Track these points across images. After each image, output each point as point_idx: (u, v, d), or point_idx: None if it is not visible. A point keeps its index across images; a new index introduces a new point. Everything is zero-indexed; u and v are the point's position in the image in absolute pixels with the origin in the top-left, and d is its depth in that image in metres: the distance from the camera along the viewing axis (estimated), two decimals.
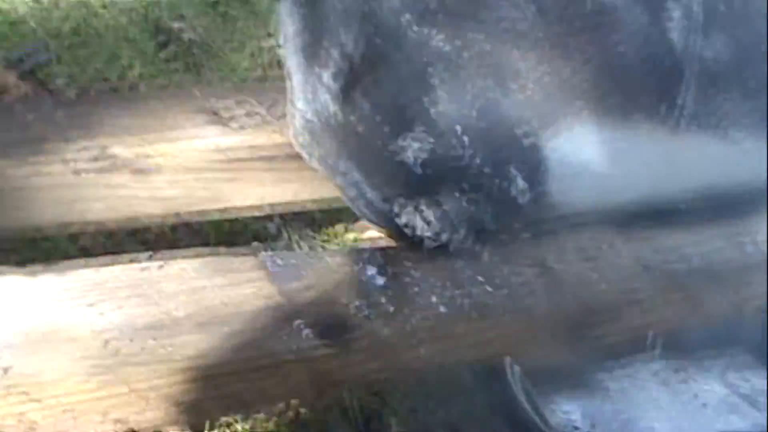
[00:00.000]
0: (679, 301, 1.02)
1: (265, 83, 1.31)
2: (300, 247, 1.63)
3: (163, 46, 2.41)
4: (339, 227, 1.69)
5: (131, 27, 2.26)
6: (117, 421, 0.77)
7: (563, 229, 1.03)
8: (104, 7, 2.09)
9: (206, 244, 1.62)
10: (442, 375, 1.32)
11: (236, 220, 1.34)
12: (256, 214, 1.63)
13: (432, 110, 0.84)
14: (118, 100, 1.24)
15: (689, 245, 1.06)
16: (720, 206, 1.11)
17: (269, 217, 1.69)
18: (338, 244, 1.64)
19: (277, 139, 1.16)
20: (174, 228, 1.60)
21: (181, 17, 2.45)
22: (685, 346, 1.48)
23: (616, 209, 1.05)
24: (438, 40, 0.83)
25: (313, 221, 1.71)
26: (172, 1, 2.34)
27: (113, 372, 0.77)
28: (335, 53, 0.87)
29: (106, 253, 1.52)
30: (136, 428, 0.78)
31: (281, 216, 1.60)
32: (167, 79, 2.24)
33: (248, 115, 1.22)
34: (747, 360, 1.55)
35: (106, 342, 0.79)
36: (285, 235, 1.68)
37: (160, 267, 0.94)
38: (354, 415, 1.35)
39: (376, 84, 0.85)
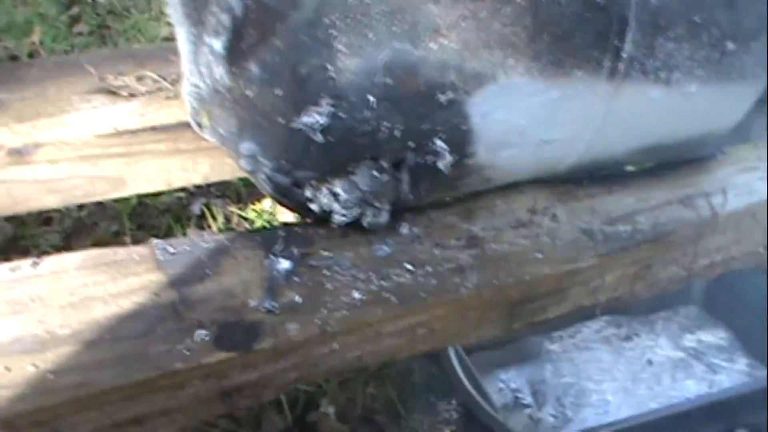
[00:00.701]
0: (626, 267, 0.88)
1: (169, 54, 1.15)
2: (220, 230, 1.50)
3: (67, 8, 2.25)
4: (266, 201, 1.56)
5: None
6: None
7: (493, 198, 0.90)
8: None
9: (122, 231, 1.48)
10: None
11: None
12: (164, 197, 1.49)
13: (337, 78, 0.69)
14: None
15: (635, 207, 0.92)
16: (659, 166, 0.98)
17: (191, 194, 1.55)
18: (263, 220, 1.51)
19: (181, 115, 1.01)
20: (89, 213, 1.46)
21: None
22: (633, 307, 1.38)
23: (555, 174, 0.92)
24: None
25: (238, 196, 1.58)
26: None
27: None
28: (224, 18, 0.73)
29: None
30: None
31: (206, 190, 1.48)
32: (69, 44, 2.09)
33: (150, 92, 1.07)
34: (697, 317, 1.47)
35: None
36: (208, 217, 1.55)
37: (34, 265, 0.78)
38: (287, 406, 1.24)
39: (272, 50, 0.70)
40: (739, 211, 1.01)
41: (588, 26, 0.81)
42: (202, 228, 1.72)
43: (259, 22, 0.74)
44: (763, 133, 1.15)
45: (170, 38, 2.05)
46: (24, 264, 0.84)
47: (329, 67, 0.73)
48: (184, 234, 1.66)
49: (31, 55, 2.25)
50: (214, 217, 1.71)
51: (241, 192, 1.71)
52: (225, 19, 0.76)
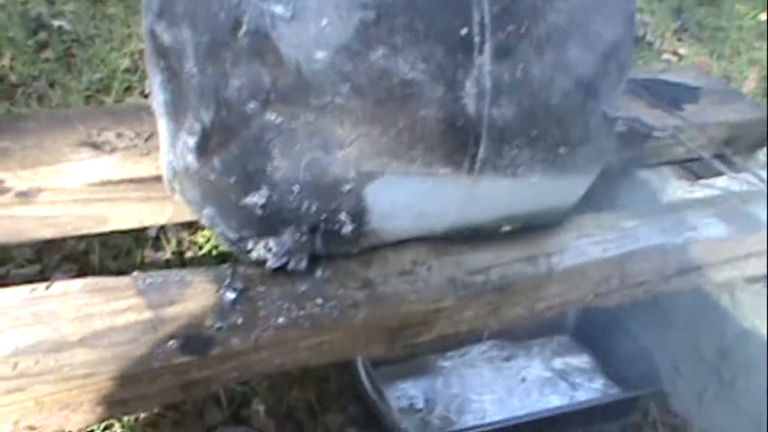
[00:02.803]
0: (479, 307, 1.34)
1: (142, 113, 1.56)
2: (173, 253, 1.92)
3: (34, 33, 2.63)
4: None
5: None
6: (27, 427, 1.06)
7: (388, 251, 1.35)
8: None
9: (89, 250, 1.88)
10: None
11: None
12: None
13: (273, 174, 1.14)
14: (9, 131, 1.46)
15: (490, 262, 1.38)
16: (518, 230, 1.44)
17: None
18: (210, 245, 1.93)
19: (153, 170, 1.43)
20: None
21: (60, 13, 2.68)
22: (515, 334, 1.84)
23: (432, 235, 1.36)
24: (276, 119, 1.12)
25: (190, 225, 1.99)
26: None
27: (21, 390, 1.05)
28: (196, 125, 1.16)
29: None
30: (41, 431, 1.07)
31: None
32: (37, 69, 2.48)
33: (127, 147, 1.48)
34: (568, 344, 1.93)
35: (15, 365, 1.07)
36: (163, 240, 1.96)
37: (47, 288, 1.21)
38: (226, 402, 1.67)
39: (229, 152, 1.15)
40: (571, 268, 1.46)
41: (451, 140, 1.25)
42: (157, 250, 2.15)
43: (221, 133, 1.19)
44: (602, 205, 1.61)
45: (130, 70, 2.48)
46: (40, 287, 1.27)
47: (267, 166, 1.18)
48: (142, 255, 2.09)
49: (2, 79, 2.64)
50: (168, 241, 2.14)
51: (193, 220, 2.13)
52: (197, 126, 1.20)
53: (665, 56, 3.33)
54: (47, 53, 2.76)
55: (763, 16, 3.68)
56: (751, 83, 3.19)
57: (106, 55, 2.75)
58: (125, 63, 2.71)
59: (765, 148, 2.03)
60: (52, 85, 2.60)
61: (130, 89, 2.62)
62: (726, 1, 3.83)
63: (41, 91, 2.55)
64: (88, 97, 2.55)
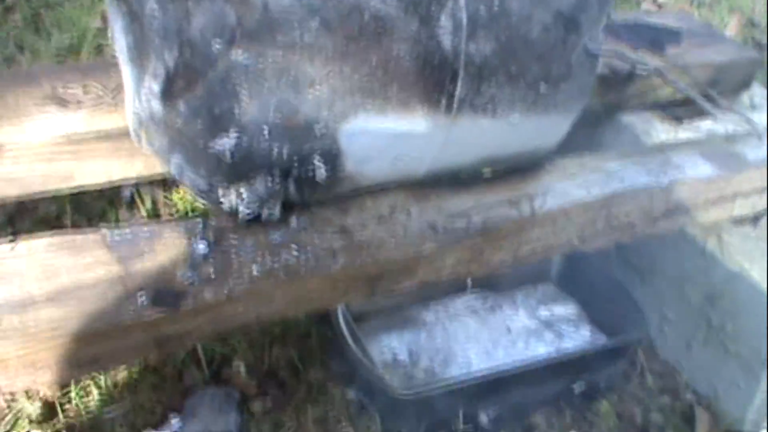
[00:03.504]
0: (461, 252, 1.29)
1: (110, 68, 1.50)
2: (148, 213, 1.86)
3: None
4: None
5: None
6: None
7: (365, 197, 1.29)
8: None
9: (62, 213, 1.82)
10: (283, 322, 1.60)
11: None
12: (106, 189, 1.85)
13: (242, 116, 1.08)
14: None
15: (471, 206, 1.32)
16: (499, 172, 1.38)
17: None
18: (185, 203, 1.87)
19: (121, 123, 1.37)
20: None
21: None
22: (499, 284, 1.80)
23: (414, 179, 1.31)
24: (242, 58, 1.06)
25: (164, 183, 1.94)
26: None
27: None
28: (160, 68, 1.10)
29: None
30: (8, 392, 1.01)
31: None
32: (4, 32, 2.41)
33: (94, 101, 1.42)
34: (552, 293, 1.89)
35: None
36: (138, 201, 1.91)
37: (12, 247, 1.15)
38: (205, 363, 1.62)
39: (195, 96, 1.09)
40: (554, 210, 1.41)
41: (427, 77, 1.20)
42: (132, 210, 2.09)
43: (186, 75, 1.12)
44: (585, 150, 1.56)
45: (101, 29, 2.40)
46: (3, 246, 1.20)
47: (235, 108, 1.12)
48: (117, 216, 2.03)
49: None
50: (143, 202, 2.08)
51: (166, 179, 2.07)
52: (161, 70, 1.14)
53: (644, 6, 3.27)
54: (15, 17, 2.68)
55: None
56: (732, 30, 3.13)
57: (76, 17, 2.67)
58: (96, 23, 2.63)
59: (749, 90, 1.98)
60: (21, 48, 2.52)
61: (102, 49, 2.55)
62: None
63: (10, 55, 2.48)
64: (58, 60, 2.47)
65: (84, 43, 2.54)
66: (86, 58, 2.49)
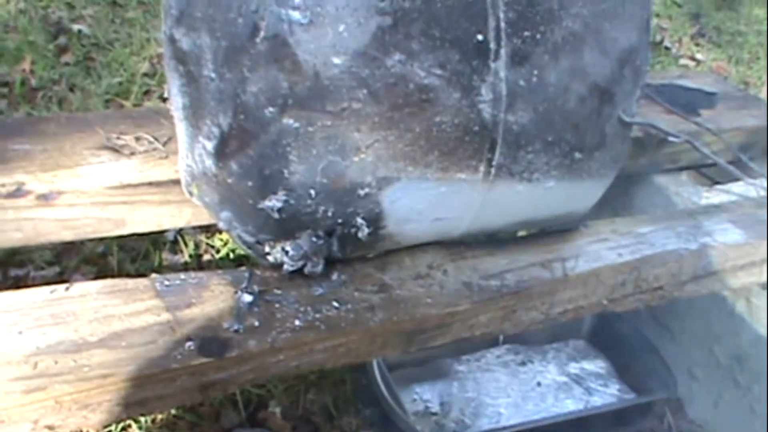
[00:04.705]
0: (495, 311, 1.35)
1: (160, 117, 1.58)
2: (191, 256, 1.94)
3: (55, 37, 2.66)
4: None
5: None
6: (46, 426, 1.08)
7: (404, 255, 1.36)
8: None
9: (107, 252, 1.90)
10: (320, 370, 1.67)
11: None
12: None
13: (290, 178, 1.16)
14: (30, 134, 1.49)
15: (505, 267, 1.39)
16: (533, 235, 1.45)
17: None
18: (228, 249, 1.95)
19: (171, 173, 1.45)
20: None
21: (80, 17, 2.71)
22: (531, 339, 1.85)
23: (448, 240, 1.38)
24: (293, 124, 1.14)
25: (208, 228, 2.02)
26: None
27: (41, 389, 1.07)
28: (215, 129, 1.18)
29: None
30: (60, 431, 1.09)
31: None
32: (57, 73, 2.51)
33: (146, 151, 1.51)
34: (583, 349, 1.94)
35: (35, 364, 1.09)
36: (180, 243, 1.98)
37: (67, 289, 1.23)
38: (242, 405, 1.69)
39: (247, 156, 1.16)
40: (586, 273, 1.47)
41: (467, 145, 1.26)
42: (175, 253, 2.17)
43: (239, 137, 1.20)
44: (619, 210, 1.62)
45: (149, 74, 2.51)
46: (59, 288, 1.29)
47: (285, 170, 1.19)
48: (160, 257, 2.11)
49: (23, 83, 2.68)
50: (186, 244, 2.16)
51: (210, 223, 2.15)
52: (216, 130, 1.22)
53: (683, 61, 3.33)
54: (67, 57, 2.79)
55: None
56: None
57: (126, 59, 2.78)
58: (144, 67, 2.73)
59: None
60: (71, 89, 2.63)
61: (149, 93, 2.65)
62: (744, 6, 3.82)
63: (61, 95, 2.58)
64: (107, 101, 2.58)
65: (133, 86, 2.64)
66: (134, 100, 2.59)
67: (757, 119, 1.98)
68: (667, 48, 3.30)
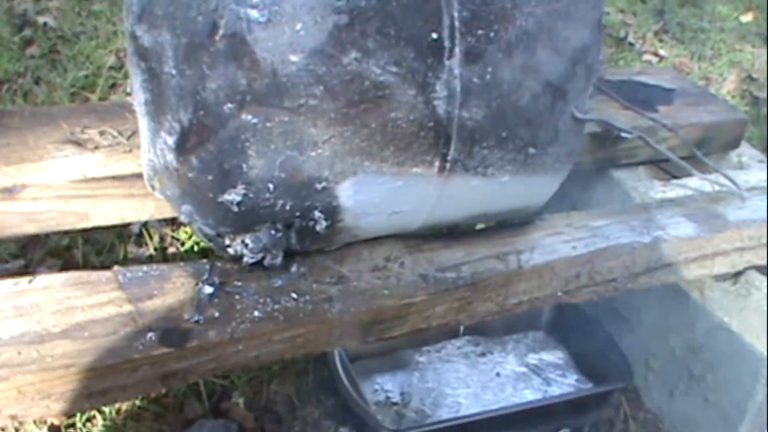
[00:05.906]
0: (451, 303, 1.39)
1: (125, 111, 1.61)
2: (156, 248, 1.97)
3: (20, 30, 2.67)
4: None
5: None
6: (9, 416, 1.11)
7: (362, 247, 1.40)
8: None
9: (72, 245, 1.93)
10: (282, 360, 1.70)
11: None
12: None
13: (249, 172, 1.20)
14: None
15: (461, 259, 1.43)
16: (489, 228, 1.49)
17: None
18: (192, 241, 1.98)
19: (135, 167, 1.48)
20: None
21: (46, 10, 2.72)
22: (491, 330, 1.90)
23: (405, 233, 1.42)
24: (252, 120, 1.17)
25: (173, 221, 2.04)
26: None
27: (4, 379, 1.10)
28: (176, 125, 1.22)
29: None
30: (23, 420, 1.12)
31: None
32: (22, 66, 2.53)
33: (110, 145, 1.53)
34: (542, 340, 1.99)
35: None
36: (145, 236, 2.01)
37: (30, 281, 1.26)
38: (206, 396, 1.72)
39: (206, 151, 1.20)
40: (540, 265, 1.52)
41: (422, 141, 1.30)
42: (140, 245, 2.20)
43: (199, 133, 1.24)
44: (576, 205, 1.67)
45: (115, 67, 2.52)
46: (23, 280, 1.32)
47: (244, 165, 1.23)
48: (125, 250, 2.14)
49: None
50: (151, 237, 2.19)
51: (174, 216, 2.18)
52: (176, 126, 1.25)
53: (646, 57, 3.39)
54: (32, 50, 2.81)
55: (744, 18, 3.75)
56: (731, 84, 3.25)
57: (92, 52, 2.80)
58: (110, 60, 2.75)
59: (737, 149, 2.09)
60: (37, 82, 2.65)
61: (116, 86, 2.67)
62: (708, 3, 3.89)
63: (26, 88, 2.60)
64: (73, 94, 2.59)
65: (99, 79, 2.66)
66: (100, 93, 2.61)
67: (713, 115, 2.03)
68: (630, 44, 3.35)
